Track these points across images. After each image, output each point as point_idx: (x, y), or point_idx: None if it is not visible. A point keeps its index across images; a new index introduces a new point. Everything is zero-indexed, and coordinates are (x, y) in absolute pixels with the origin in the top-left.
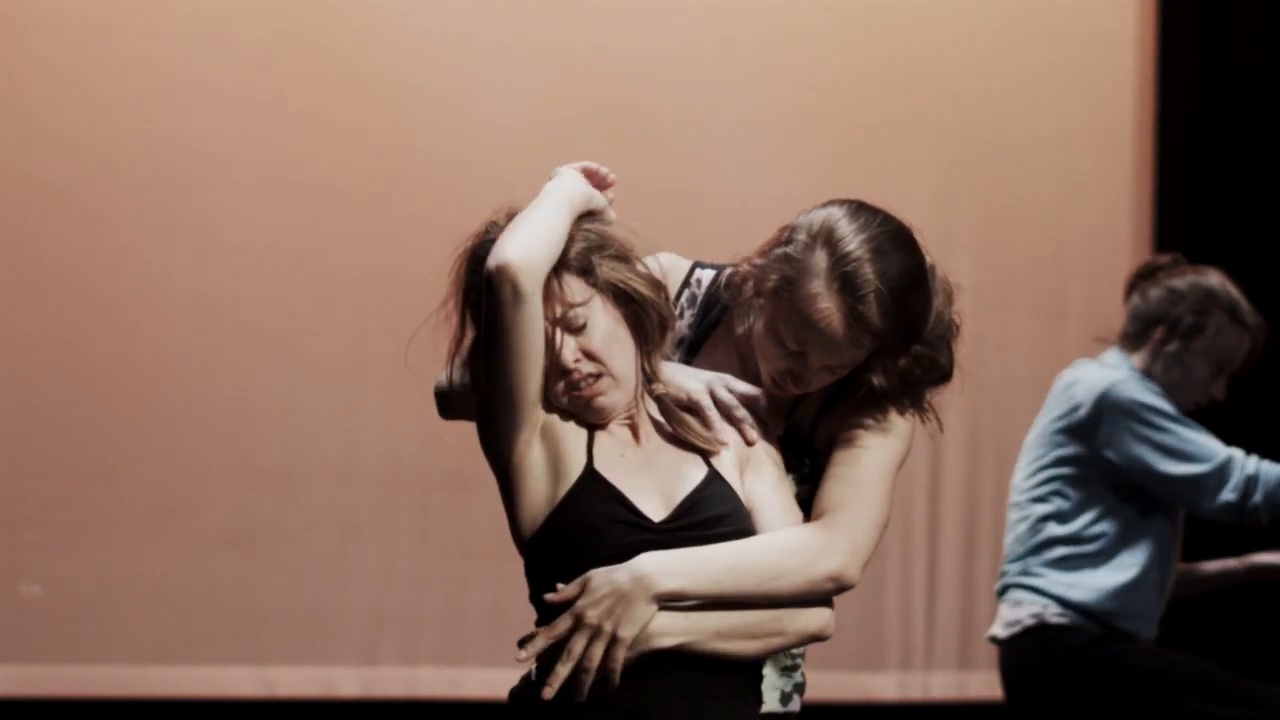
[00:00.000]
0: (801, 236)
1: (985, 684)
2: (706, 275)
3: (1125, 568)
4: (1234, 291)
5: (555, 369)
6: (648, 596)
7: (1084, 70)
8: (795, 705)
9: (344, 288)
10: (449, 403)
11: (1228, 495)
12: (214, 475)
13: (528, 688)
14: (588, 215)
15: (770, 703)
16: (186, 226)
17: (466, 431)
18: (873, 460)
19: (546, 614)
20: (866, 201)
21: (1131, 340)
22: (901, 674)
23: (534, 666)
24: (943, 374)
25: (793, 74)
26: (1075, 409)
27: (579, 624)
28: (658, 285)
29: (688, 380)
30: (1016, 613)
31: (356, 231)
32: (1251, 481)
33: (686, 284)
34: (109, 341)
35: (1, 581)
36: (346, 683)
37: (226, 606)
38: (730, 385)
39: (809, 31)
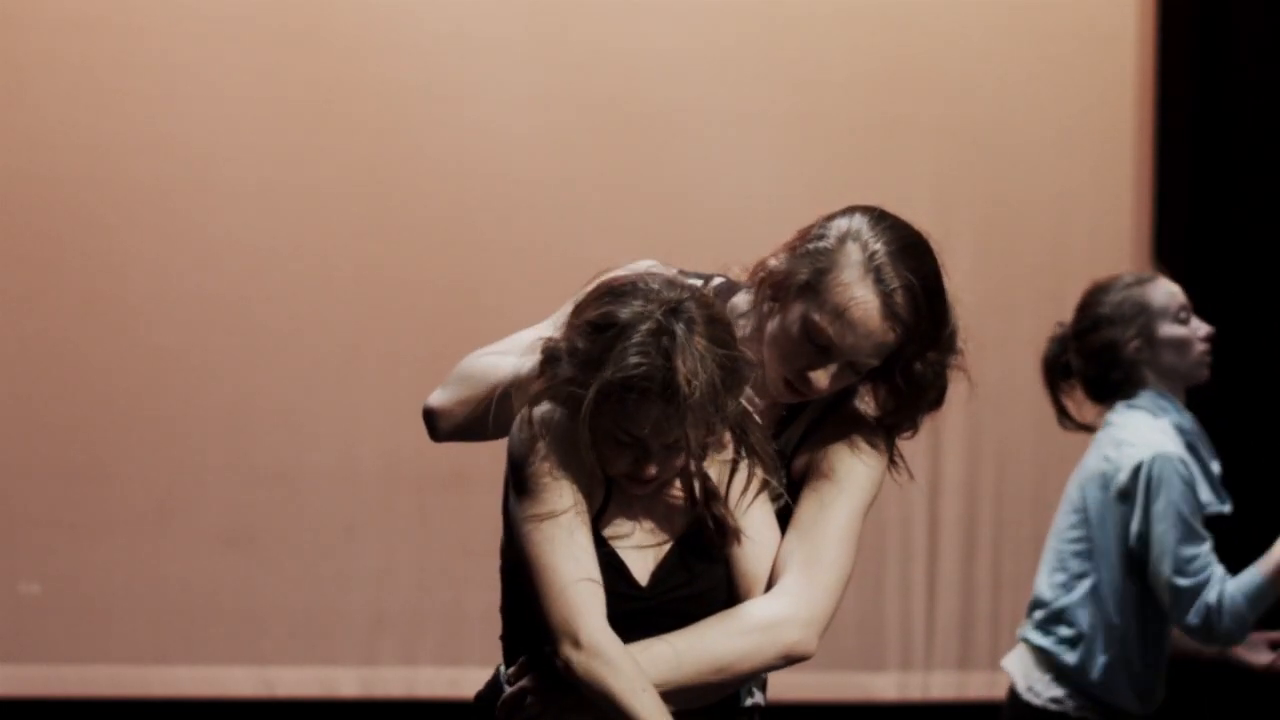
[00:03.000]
0: (830, 234)
1: (985, 684)
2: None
3: (1147, 638)
4: (1115, 277)
5: (633, 470)
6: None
7: (1084, 70)
8: (759, 699)
9: (344, 288)
10: (442, 425)
11: (1193, 618)
12: (214, 475)
13: (494, 691)
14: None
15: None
16: (187, 226)
17: None
18: (840, 510)
19: (513, 631)
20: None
21: (1124, 386)
22: (901, 674)
23: (504, 670)
24: (940, 392)
25: (792, 74)
26: (1116, 471)
27: (521, 703)
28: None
29: None
30: (1040, 683)
31: (356, 231)
32: (1213, 610)
33: None
34: (109, 341)
35: (1, 581)
36: (346, 683)
37: (226, 606)
38: None
39: (808, 32)
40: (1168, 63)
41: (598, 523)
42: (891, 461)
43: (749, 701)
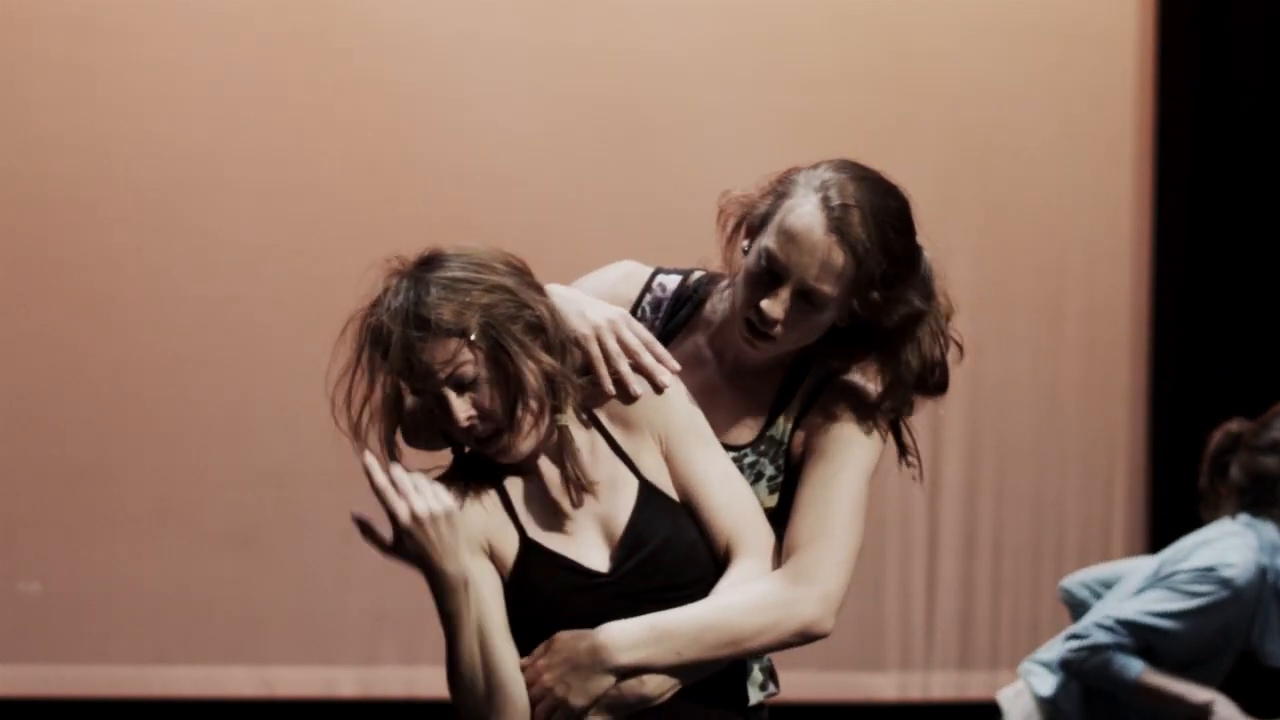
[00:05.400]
0: (794, 177)
1: (985, 684)
2: (671, 280)
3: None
4: None
5: (456, 430)
6: (604, 669)
7: (1084, 70)
8: (772, 689)
9: (344, 288)
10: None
11: (1083, 629)
12: (214, 475)
13: None
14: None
15: (751, 696)
16: (186, 226)
17: None
18: (844, 483)
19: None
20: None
21: (1269, 508)
22: (901, 674)
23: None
24: (929, 366)
25: (792, 75)
26: (1183, 562)
27: (535, 684)
28: (538, 327)
29: (578, 321)
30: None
31: (356, 231)
32: (1096, 647)
33: (648, 289)
34: (109, 341)
35: (1, 581)
36: (346, 683)
37: (226, 606)
38: (634, 327)
39: (808, 32)
40: (1167, 63)
41: (533, 534)
42: (902, 449)
43: (766, 693)
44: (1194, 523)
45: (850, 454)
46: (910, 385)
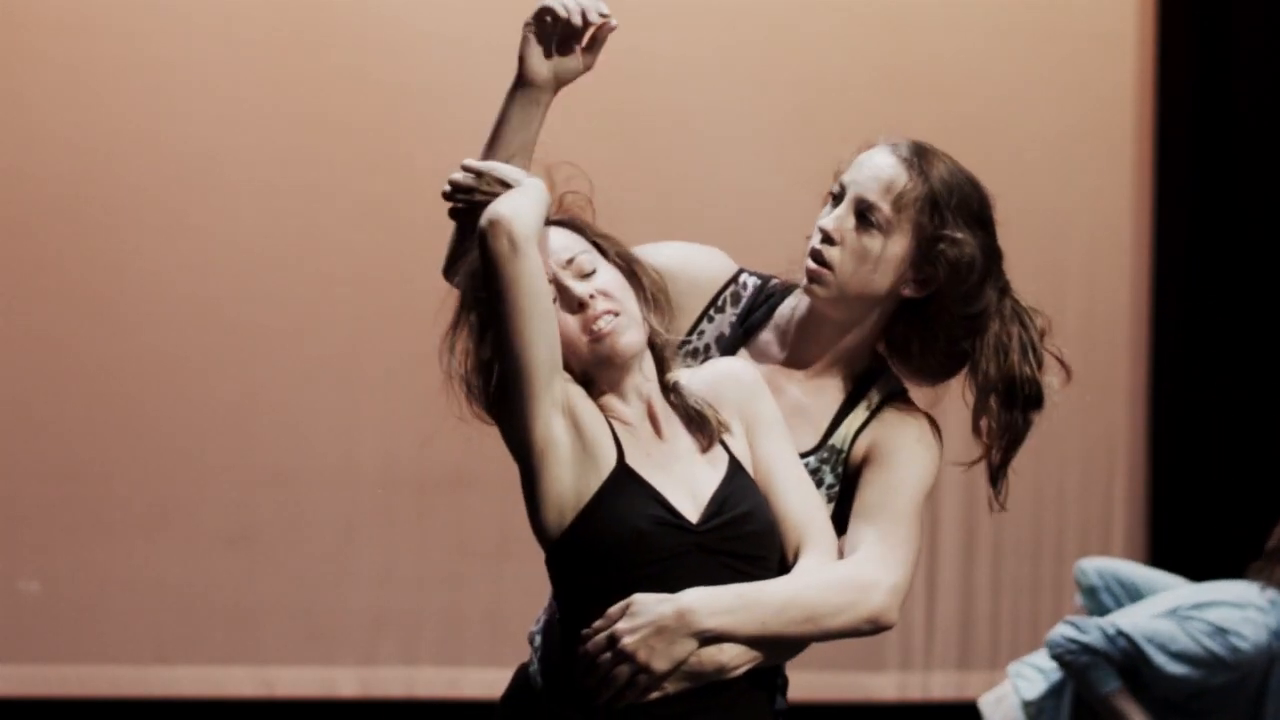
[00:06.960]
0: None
1: (984, 684)
2: (753, 280)
3: None
4: None
5: (570, 309)
6: (689, 633)
7: (1084, 70)
8: (781, 704)
9: (343, 288)
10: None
11: (1084, 625)
12: (214, 475)
13: (523, 691)
14: None
15: None
16: (186, 227)
17: (465, 431)
18: (906, 491)
19: (574, 613)
20: None
21: None
22: (901, 674)
23: (536, 672)
24: (1031, 394)
25: (792, 76)
26: (1208, 612)
27: (614, 646)
28: (642, 263)
29: None
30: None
31: (355, 233)
32: (1084, 648)
33: (734, 281)
34: (109, 342)
35: (1, 581)
36: (345, 682)
37: (226, 606)
38: None
39: (809, 33)
40: (1168, 64)
41: (630, 460)
42: (995, 478)
43: (774, 707)
44: (1193, 523)
45: (914, 464)
46: (993, 393)
